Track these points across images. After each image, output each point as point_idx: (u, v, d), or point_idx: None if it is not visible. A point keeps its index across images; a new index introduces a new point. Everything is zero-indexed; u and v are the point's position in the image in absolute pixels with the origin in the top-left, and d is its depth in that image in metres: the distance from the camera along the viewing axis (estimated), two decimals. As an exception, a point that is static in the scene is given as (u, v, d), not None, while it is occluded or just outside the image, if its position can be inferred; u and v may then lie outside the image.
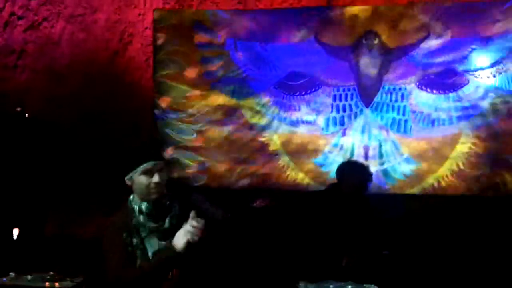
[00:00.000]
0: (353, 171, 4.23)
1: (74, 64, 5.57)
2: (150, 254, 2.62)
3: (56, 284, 2.52)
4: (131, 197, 2.70)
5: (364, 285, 2.67)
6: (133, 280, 2.54)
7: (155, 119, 5.64)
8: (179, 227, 2.58)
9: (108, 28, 5.71)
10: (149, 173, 2.61)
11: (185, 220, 2.58)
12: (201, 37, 5.65)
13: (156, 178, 2.60)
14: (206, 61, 5.64)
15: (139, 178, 2.63)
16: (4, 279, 2.75)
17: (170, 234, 2.60)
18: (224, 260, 2.74)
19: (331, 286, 2.61)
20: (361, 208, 4.13)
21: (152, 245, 2.64)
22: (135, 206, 2.66)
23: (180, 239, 2.49)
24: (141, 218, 2.65)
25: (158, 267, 2.55)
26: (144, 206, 2.63)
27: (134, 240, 2.64)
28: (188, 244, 2.49)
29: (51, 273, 2.97)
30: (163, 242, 2.62)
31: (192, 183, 5.57)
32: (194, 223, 2.49)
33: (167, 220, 2.64)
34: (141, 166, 2.62)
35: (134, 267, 2.59)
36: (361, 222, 4.04)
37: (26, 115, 5.21)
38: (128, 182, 2.69)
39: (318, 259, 3.76)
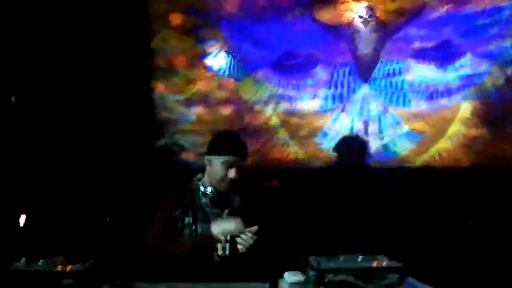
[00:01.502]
0: (349, 146, 4.26)
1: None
2: (202, 233, 2.63)
3: (69, 267, 2.51)
4: (200, 175, 2.69)
5: (375, 256, 2.67)
6: (166, 255, 2.55)
7: (153, 104, 5.62)
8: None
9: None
10: (228, 165, 2.59)
11: (242, 213, 2.59)
12: (194, 20, 5.62)
13: (232, 173, 2.60)
14: (201, 43, 5.60)
15: (217, 165, 2.61)
16: (16, 264, 2.74)
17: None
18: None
19: (341, 258, 2.60)
20: (363, 181, 4.15)
21: (203, 229, 2.64)
22: (202, 187, 2.66)
23: (221, 235, 2.50)
24: (203, 200, 2.65)
25: (192, 251, 2.55)
26: (209, 190, 2.63)
27: (187, 219, 2.65)
28: (232, 250, 2.49)
29: (61, 257, 2.97)
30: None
31: (193, 166, 5.57)
32: (246, 236, 2.48)
33: (225, 211, 2.64)
34: (225, 157, 2.59)
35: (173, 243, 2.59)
36: (364, 196, 4.06)
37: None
38: (206, 162, 2.67)
39: (326, 234, 3.78)
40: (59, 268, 2.56)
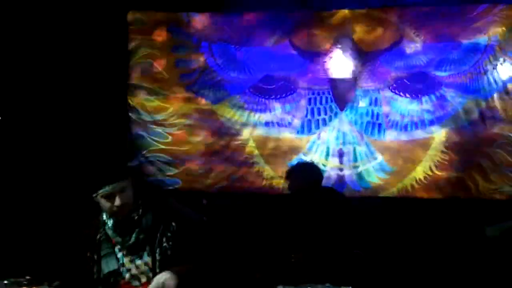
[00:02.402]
0: (298, 172, 4.30)
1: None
2: (105, 273, 2.58)
3: (34, 288, 2.47)
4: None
5: (342, 287, 2.66)
6: None
7: (129, 122, 5.60)
8: (148, 239, 2.55)
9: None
10: (110, 197, 2.53)
11: (158, 229, 2.56)
12: (175, 40, 5.64)
13: (117, 201, 2.50)
14: (181, 64, 5.62)
15: (101, 201, 2.57)
16: (-21, 284, 2.69)
17: (137, 248, 2.57)
18: (201, 263, 2.71)
19: (309, 288, 2.60)
20: (318, 207, 4.15)
21: (109, 265, 2.60)
22: (105, 220, 2.62)
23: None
24: (109, 232, 2.61)
25: None
26: (110, 222, 2.59)
27: (95, 256, 2.61)
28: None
29: (28, 277, 2.92)
30: (125, 260, 2.58)
31: (167, 187, 5.54)
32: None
33: (133, 235, 2.58)
34: (101, 190, 2.53)
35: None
36: (319, 222, 4.06)
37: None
38: (96, 200, 2.63)
39: (281, 260, 3.80)
40: (24, 288, 2.50)
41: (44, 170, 5.22)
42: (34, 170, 5.21)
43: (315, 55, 5.54)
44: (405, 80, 5.44)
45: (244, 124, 5.58)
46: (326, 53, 5.51)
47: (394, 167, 5.39)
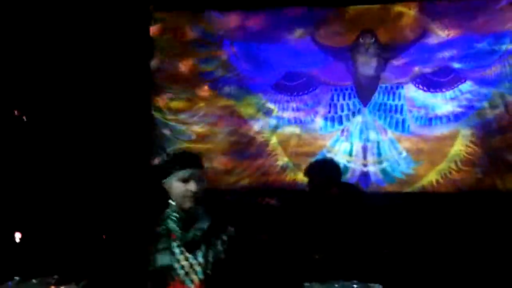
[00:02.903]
0: (317, 169, 4.28)
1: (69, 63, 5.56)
2: (158, 266, 2.61)
3: (62, 287, 2.50)
4: (170, 201, 2.69)
5: (369, 284, 2.66)
6: None
7: (153, 121, 5.63)
8: (205, 239, 2.58)
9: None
10: (186, 180, 2.58)
11: (214, 231, 2.58)
12: (198, 39, 5.66)
13: (193, 186, 2.56)
14: (204, 62, 5.64)
15: (175, 184, 2.61)
16: (9, 283, 2.74)
17: (193, 245, 2.60)
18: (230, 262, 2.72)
19: (336, 285, 2.59)
20: (359, 205, 4.14)
21: (163, 259, 2.63)
22: (168, 212, 2.66)
23: None
24: (171, 225, 2.64)
25: None
26: (173, 216, 2.62)
27: (151, 248, 2.64)
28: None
29: (56, 276, 2.96)
30: (180, 257, 2.61)
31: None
32: None
33: (191, 232, 2.62)
34: (180, 172, 2.59)
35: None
36: (343, 220, 4.05)
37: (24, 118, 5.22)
38: (166, 188, 2.66)
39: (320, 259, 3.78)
40: (53, 287, 2.53)
41: (68, 168, 5.27)
42: (60, 169, 5.26)
43: (337, 51, 5.52)
44: (429, 74, 5.41)
45: (267, 121, 5.59)
46: (348, 48, 5.49)
47: (419, 162, 5.36)
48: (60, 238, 4.80)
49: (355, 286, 2.63)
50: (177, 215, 2.59)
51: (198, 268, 2.59)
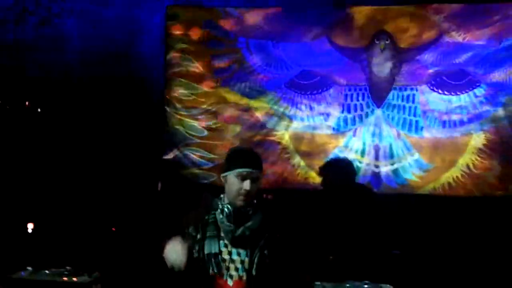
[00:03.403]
0: (332, 169, 4.28)
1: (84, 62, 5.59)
2: (206, 253, 2.62)
3: (74, 279, 2.52)
4: (222, 195, 2.71)
5: (380, 284, 2.66)
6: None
7: (166, 116, 5.65)
8: (252, 239, 2.59)
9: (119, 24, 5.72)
10: (242, 178, 2.61)
11: (263, 233, 2.59)
12: (212, 35, 5.66)
13: (247, 185, 2.59)
14: (218, 59, 5.64)
15: (232, 180, 2.63)
16: (22, 273, 2.76)
17: (240, 242, 2.61)
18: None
19: (347, 285, 2.60)
20: (355, 205, 4.14)
21: (212, 247, 2.64)
22: (220, 205, 2.67)
23: None
24: (220, 217, 2.66)
25: None
26: (226, 207, 2.64)
27: (198, 236, 2.65)
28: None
29: (68, 268, 2.98)
30: (223, 250, 2.62)
31: (201, 181, 5.58)
32: None
33: (241, 228, 2.64)
34: (239, 169, 2.61)
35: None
36: (355, 220, 4.05)
37: (39, 109, 5.25)
38: (222, 180, 2.70)
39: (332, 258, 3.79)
40: (65, 279, 2.55)
41: (83, 162, 5.30)
42: (75, 162, 5.29)
43: (352, 51, 5.51)
44: (443, 77, 5.39)
45: (280, 120, 5.58)
46: (363, 49, 5.48)
47: (431, 164, 5.34)
48: (73, 230, 4.82)
49: (366, 286, 2.64)
50: (229, 209, 2.62)
51: (239, 265, 2.60)
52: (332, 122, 5.53)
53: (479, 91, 5.32)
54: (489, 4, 5.32)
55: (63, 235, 4.66)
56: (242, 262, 2.60)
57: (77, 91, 5.42)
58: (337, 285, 2.58)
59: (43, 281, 2.57)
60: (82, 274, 2.76)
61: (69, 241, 4.55)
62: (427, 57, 5.41)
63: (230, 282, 2.58)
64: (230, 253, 2.64)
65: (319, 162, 5.45)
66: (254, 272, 2.58)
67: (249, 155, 2.74)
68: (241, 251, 2.63)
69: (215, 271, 2.61)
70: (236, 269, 2.61)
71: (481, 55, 5.32)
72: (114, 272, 2.83)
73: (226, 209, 2.63)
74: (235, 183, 2.61)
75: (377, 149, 5.44)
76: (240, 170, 2.60)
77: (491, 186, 5.26)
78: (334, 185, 4.26)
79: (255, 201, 2.69)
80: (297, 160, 5.54)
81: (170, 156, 5.63)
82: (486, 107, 5.31)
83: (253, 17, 5.62)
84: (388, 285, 2.66)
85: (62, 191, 5.12)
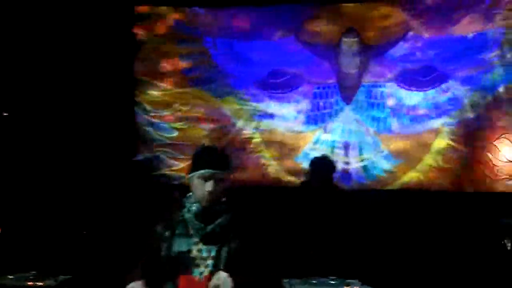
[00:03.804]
0: (320, 165, 4.29)
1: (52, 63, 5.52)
2: (175, 250, 2.61)
3: (39, 283, 2.49)
4: (190, 194, 2.70)
5: (347, 280, 2.68)
6: None
7: (135, 117, 5.62)
8: (221, 236, 2.59)
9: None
10: (206, 179, 2.60)
11: (232, 231, 2.59)
12: (180, 35, 5.65)
13: (209, 186, 2.58)
14: (186, 58, 5.63)
15: (195, 181, 2.62)
16: (-14, 278, 2.73)
17: (210, 239, 2.61)
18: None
19: (314, 281, 2.61)
20: (332, 202, 4.16)
21: (181, 245, 2.64)
22: (188, 204, 2.67)
23: None
24: (188, 215, 2.65)
25: None
26: (194, 207, 2.63)
27: (166, 233, 2.64)
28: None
29: (34, 272, 2.95)
30: (193, 248, 2.61)
31: (172, 181, 5.56)
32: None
33: (211, 225, 2.63)
34: (201, 171, 2.60)
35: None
36: (333, 216, 4.07)
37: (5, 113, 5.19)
38: (188, 181, 2.68)
39: (298, 254, 3.80)
40: (30, 283, 2.52)
41: (50, 164, 5.24)
42: (43, 164, 5.23)
43: (321, 49, 5.54)
44: (411, 73, 5.45)
45: (250, 118, 5.59)
46: (332, 47, 5.51)
47: (399, 160, 5.40)
48: (40, 233, 4.77)
49: (332, 282, 2.66)
50: (197, 208, 2.61)
51: (210, 262, 2.60)
52: (302, 120, 5.55)
53: (446, 86, 5.38)
54: (454, 1, 5.37)
55: (29, 239, 4.61)
56: (211, 258, 2.61)
57: (45, 94, 5.35)
58: (304, 281, 2.57)
59: (7, 285, 2.53)
60: (47, 278, 2.73)
61: (35, 245, 4.50)
62: (395, 53, 5.46)
63: (200, 279, 2.58)
64: (200, 251, 2.63)
65: (289, 160, 5.49)
66: (222, 267, 2.58)
67: (213, 155, 2.73)
68: (211, 248, 2.63)
69: (185, 268, 2.61)
70: (206, 266, 2.61)
71: (448, 51, 5.38)
72: (82, 276, 2.80)
73: (194, 208, 2.63)
74: (198, 185, 2.61)
75: (346, 146, 5.48)
76: (202, 172, 2.60)
77: (459, 180, 5.32)
78: (325, 182, 4.26)
79: (225, 199, 2.69)
80: (268, 158, 5.55)
81: (140, 157, 5.60)
82: (453, 102, 5.37)
83: (221, 17, 5.62)
84: (355, 280, 2.67)
85: (29, 194, 5.05)
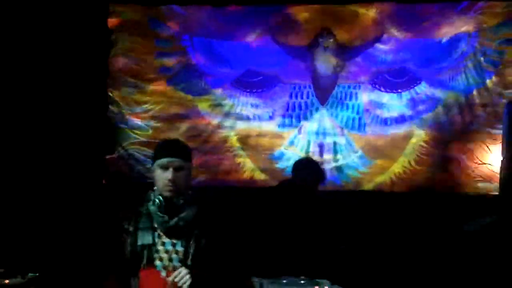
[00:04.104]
0: (306, 167, 4.29)
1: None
2: (139, 244, 2.60)
3: (6, 281, 2.46)
4: (155, 187, 2.69)
5: (317, 280, 2.69)
6: None
7: (109, 115, 5.58)
8: (187, 230, 2.57)
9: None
10: (165, 168, 2.59)
11: (198, 225, 2.58)
12: (156, 32, 5.62)
13: (169, 174, 2.58)
14: (162, 57, 5.61)
15: (156, 171, 2.62)
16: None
17: (174, 232, 2.59)
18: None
19: (284, 281, 2.61)
20: (313, 203, 4.18)
21: (144, 238, 2.62)
22: (152, 196, 2.65)
23: None
24: (152, 208, 2.64)
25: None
26: (158, 199, 2.62)
27: (131, 228, 2.63)
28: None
29: (1, 270, 2.91)
30: (157, 241, 2.60)
31: (146, 179, 5.53)
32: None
33: (175, 219, 2.62)
34: (159, 160, 2.60)
35: None
36: (313, 218, 4.08)
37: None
38: (152, 170, 2.68)
39: (273, 255, 3.79)
40: (-4, 281, 2.49)
41: (21, 162, 5.17)
42: (13, 162, 5.16)
43: (296, 50, 5.56)
44: (385, 75, 5.50)
45: (226, 118, 5.59)
46: (307, 48, 5.53)
47: (374, 161, 5.44)
48: (8, 232, 4.71)
49: (302, 282, 2.67)
50: (160, 200, 2.60)
51: (174, 256, 2.59)
52: (277, 120, 5.57)
53: (420, 89, 5.44)
54: (429, 4, 5.42)
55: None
56: (176, 252, 2.60)
57: (18, 90, 5.28)
58: (274, 280, 2.58)
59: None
60: (15, 276, 2.70)
61: (2, 242, 4.44)
62: (370, 55, 5.50)
63: (163, 273, 2.57)
64: (163, 244, 2.63)
65: (264, 160, 5.50)
66: (189, 263, 2.57)
67: (171, 145, 2.74)
68: (176, 241, 2.62)
69: (148, 262, 2.60)
70: (170, 260, 2.60)
71: (422, 53, 5.44)
72: (51, 274, 2.77)
73: (157, 200, 2.63)
74: (159, 174, 2.61)
75: (321, 147, 5.51)
76: (161, 160, 2.61)
77: (432, 182, 5.38)
78: (310, 184, 4.27)
79: (190, 192, 2.69)
80: (243, 158, 5.56)
81: (114, 155, 5.57)
82: (427, 104, 5.43)
83: (197, 15, 5.61)
84: (325, 280, 2.68)
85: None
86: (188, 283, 2.45)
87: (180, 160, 2.62)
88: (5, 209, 4.87)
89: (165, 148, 2.67)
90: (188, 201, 2.65)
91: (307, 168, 4.28)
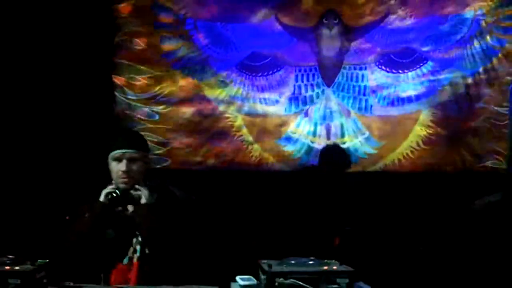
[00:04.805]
0: (335, 153, 4.34)
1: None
2: (102, 238, 2.61)
3: (16, 267, 2.46)
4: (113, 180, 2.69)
5: (326, 260, 2.68)
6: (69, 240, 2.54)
7: (115, 101, 5.57)
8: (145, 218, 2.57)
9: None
10: (118, 160, 2.58)
11: (160, 215, 2.58)
12: (160, 17, 5.58)
13: (122, 166, 2.57)
14: (166, 41, 5.57)
15: (110, 163, 2.61)
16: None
17: (134, 224, 2.59)
18: (192, 241, 2.72)
19: (292, 262, 2.60)
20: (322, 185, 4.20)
21: (106, 232, 2.63)
22: (111, 189, 2.65)
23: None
24: (110, 200, 2.63)
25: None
26: (113, 191, 2.62)
27: (92, 222, 2.63)
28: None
29: (11, 256, 2.91)
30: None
31: (155, 166, 5.53)
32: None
33: (130, 209, 2.61)
34: (111, 152, 2.59)
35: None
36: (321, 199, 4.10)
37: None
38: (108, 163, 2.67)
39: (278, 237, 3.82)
40: (7, 267, 2.49)
41: (26, 149, 5.17)
42: (18, 149, 5.16)
43: (301, 32, 5.53)
44: (391, 55, 5.47)
45: (232, 102, 5.56)
46: (312, 29, 5.50)
47: (381, 142, 5.43)
48: (17, 218, 4.73)
49: (311, 262, 2.66)
50: (116, 192, 2.60)
51: (138, 247, 2.59)
52: (283, 103, 5.55)
53: (426, 69, 5.42)
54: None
55: (6, 223, 4.57)
56: (139, 243, 2.60)
57: (20, 78, 5.27)
58: (282, 261, 2.57)
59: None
60: (24, 262, 2.70)
61: (11, 229, 4.47)
62: (375, 36, 5.47)
63: (125, 262, 2.58)
64: (125, 236, 2.63)
65: (271, 143, 5.49)
66: (146, 251, 2.57)
67: (125, 136, 2.73)
68: (136, 232, 2.62)
69: (111, 254, 2.60)
70: (134, 252, 2.60)
71: (427, 32, 5.42)
72: (60, 260, 2.78)
73: (113, 193, 2.62)
74: (112, 166, 2.61)
75: (328, 129, 5.50)
76: (114, 152, 2.60)
77: (440, 162, 5.38)
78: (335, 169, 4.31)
79: (148, 182, 2.67)
80: (250, 141, 5.55)
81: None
82: (433, 84, 5.41)
83: (201, -2, 5.58)
84: (333, 261, 2.67)
85: (6, 179, 4.99)
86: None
87: (134, 151, 2.60)
88: (15, 198, 4.89)
89: (118, 140, 2.65)
90: (147, 191, 2.63)
91: (336, 153, 4.33)
